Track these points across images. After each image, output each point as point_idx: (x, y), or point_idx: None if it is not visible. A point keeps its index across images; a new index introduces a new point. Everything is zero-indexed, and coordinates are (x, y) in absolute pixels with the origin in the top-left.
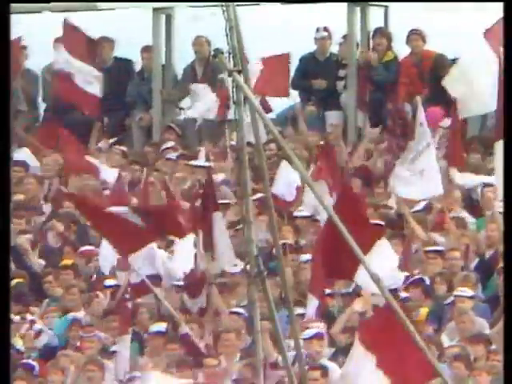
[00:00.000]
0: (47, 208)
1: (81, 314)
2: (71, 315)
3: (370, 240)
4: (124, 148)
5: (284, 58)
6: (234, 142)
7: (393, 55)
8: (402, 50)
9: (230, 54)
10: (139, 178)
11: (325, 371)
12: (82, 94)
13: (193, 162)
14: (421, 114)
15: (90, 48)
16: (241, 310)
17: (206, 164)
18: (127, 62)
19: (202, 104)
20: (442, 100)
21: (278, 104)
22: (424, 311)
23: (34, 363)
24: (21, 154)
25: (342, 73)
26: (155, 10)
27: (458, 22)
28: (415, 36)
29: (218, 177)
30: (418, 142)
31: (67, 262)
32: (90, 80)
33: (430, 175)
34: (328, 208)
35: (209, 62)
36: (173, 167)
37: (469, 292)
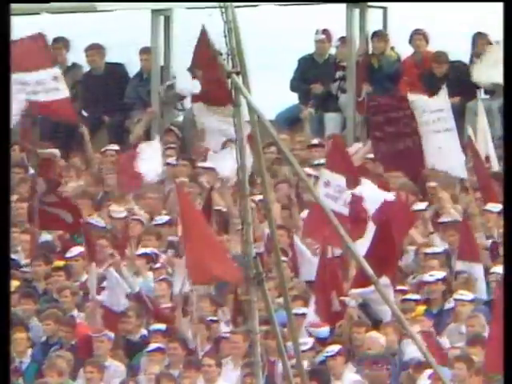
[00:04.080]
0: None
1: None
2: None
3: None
4: (117, 147)
5: None
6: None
7: (396, 55)
8: (401, 51)
9: (228, 55)
10: None
11: None
12: (51, 105)
13: (202, 164)
14: (444, 101)
15: (46, 52)
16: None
17: (213, 166)
18: (119, 66)
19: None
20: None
21: (277, 105)
22: (421, 308)
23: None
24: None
25: (337, 74)
26: (154, 11)
27: (457, 22)
28: (419, 36)
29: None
30: (434, 121)
31: (59, 263)
32: (51, 87)
33: (449, 154)
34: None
35: None
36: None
37: (469, 295)
